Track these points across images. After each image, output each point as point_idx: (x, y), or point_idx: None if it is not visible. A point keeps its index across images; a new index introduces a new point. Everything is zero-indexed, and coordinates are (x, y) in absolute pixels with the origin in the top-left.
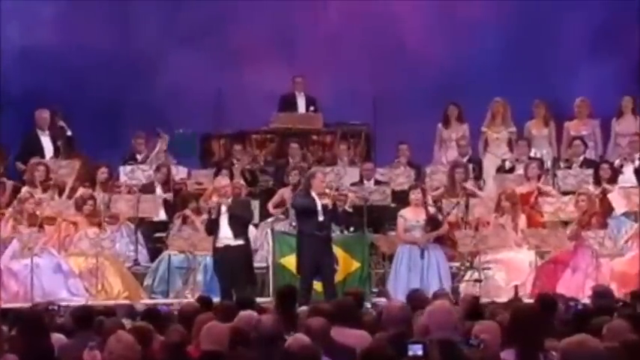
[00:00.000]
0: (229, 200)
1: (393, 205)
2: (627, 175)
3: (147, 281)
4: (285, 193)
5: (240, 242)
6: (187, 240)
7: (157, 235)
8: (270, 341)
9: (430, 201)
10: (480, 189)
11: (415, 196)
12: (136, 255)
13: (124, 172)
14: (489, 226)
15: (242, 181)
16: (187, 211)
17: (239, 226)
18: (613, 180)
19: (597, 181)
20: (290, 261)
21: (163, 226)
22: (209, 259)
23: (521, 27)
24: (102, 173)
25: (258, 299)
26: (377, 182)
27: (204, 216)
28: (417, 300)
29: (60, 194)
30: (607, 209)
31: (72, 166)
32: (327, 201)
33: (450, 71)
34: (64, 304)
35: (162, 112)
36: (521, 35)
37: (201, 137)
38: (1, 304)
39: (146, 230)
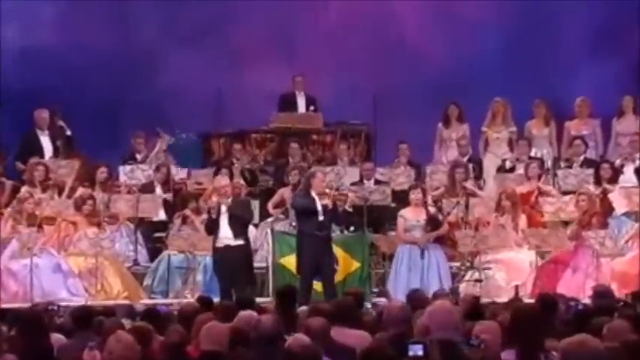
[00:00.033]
0: (229, 200)
1: (393, 204)
2: (628, 175)
3: (146, 281)
4: (285, 192)
5: (240, 242)
6: (187, 240)
7: (157, 235)
8: (270, 341)
9: (430, 201)
10: (481, 189)
11: (415, 195)
12: (136, 255)
13: (124, 171)
14: (489, 226)
15: (242, 181)
16: (187, 211)
17: (239, 226)
18: (614, 180)
19: (598, 181)
20: (290, 261)
21: (163, 226)
22: (209, 259)
23: (522, 26)
24: (101, 173)
25: (258, 299)
26: (377, 182)
27: (204, 216)
28: (417, 300)
29: (59, 194)
30: (607, 209)
31: (71, 166)
32: (327, 201)
33: (450, 71)
34: (63, 304)
35: (162, 112)
36: (521, 35)
37: (200, 137)
38: (1, 304)
39: (146, 230)
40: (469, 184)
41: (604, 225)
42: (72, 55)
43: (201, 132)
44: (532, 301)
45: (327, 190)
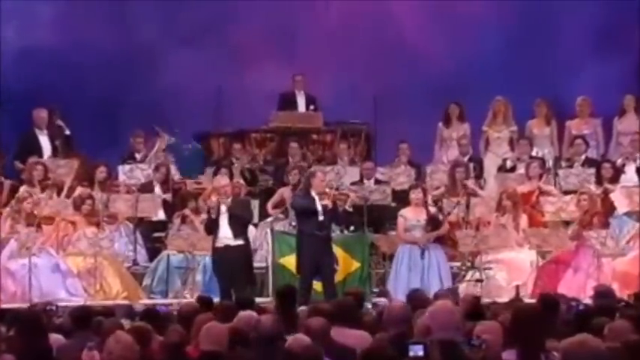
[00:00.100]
0: (229, 200)
1: (393, 204)
2: (629, 175)
3: (146, 281)
4: (284, 192)
5: (240, 242)
6: (186, 240)
7: (156, 234)
8: (270, 341)
9: (431, 200)
10: (481, 188)
11: (416, 195)
12: (135, 255)
13: (123, 171)
14: (490, 225)
15: (241, 181)
16: (186, 211)
17: (239, 226)
18: (615, 179)
19: (599, 181)
20: (290, 261)
21: (162, 225)
22: (208, 259)
23: (523, 26)
24: (100, 172)
25: (258, 299)
26: (377, 181)
27: (204, 216)
28: (417, 300)
29: (58, 194)
30: (609, 209)
31: (70, 166)
32: (327, 201)
33: (451, 70)
34: (62, 304)
35: (161, 111)
36: (522, 34)
37: (200, 136)
38: None
39: (145, 230)
40: (470, 184)
41: (605, 225)
42: (71, 55)
43: (200, 131)
44: (533, 301)
45: (327, 190)
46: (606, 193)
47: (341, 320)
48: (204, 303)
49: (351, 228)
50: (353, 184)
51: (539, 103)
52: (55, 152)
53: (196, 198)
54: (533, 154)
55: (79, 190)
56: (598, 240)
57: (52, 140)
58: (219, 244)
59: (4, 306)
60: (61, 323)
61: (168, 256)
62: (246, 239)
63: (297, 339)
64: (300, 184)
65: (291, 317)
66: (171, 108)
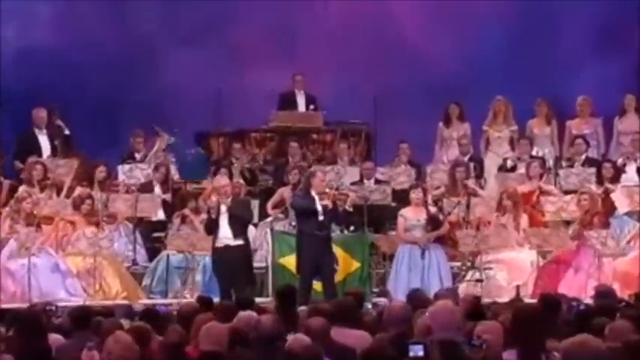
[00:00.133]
0: (229, 200)
1: (393, 204)
2: (630, 174)
3: (145, 281)
4: (284, 192)
5: (240, 242)
6: (186, 240)
7: (156, 234)
8: (270, 341)
9: (431, 200)
10: (482, 188)
11: (416, 195)
12: (135, 255)
13: (123, 171)
14: (491, 225)
15: (241, 181)
16: (186, 211)
17: (239, 226)
18: (615, 179)
19: (600, 180)
20: (290, 261)
21: (162, 225)
22: (208, 259)
23: (523, 26)
24: (100, 172)
25: (258, 299)
26: (377, 181)
27: (203, 215)
28: (417, 300)
29: (58, 193)
30: (609, 208)
31: (70, 165)
32: (327, 201)
33: (451, 70)
34: (61, 304)
35: (161, 111)
36: (523, 34)
37: (200, 136)
38: None
39: (144, 230)
40: (470, 184)
41: (606, 224)
42: (71, 54)
43: (200, 131)
44: (533, 301)
45: (327, 190)
46: (607, 192)
47: (341, 320)
48: (204, 303)
49: (351, 228)
50: (353, 184)
51: (539, 103)
52: (54, 152)
53: (196, 198)
54: (534, 153)
55: (78, 190)
56: (599, 240)
57: (51, 140)
58: (219, 244)
59: (4, 306)
60: (60, 323)
61: (167, 256)
62: (246, 239)
63: (297, 339)
64: (300, 183)
65: (291, 317)
66: (171, 108)
